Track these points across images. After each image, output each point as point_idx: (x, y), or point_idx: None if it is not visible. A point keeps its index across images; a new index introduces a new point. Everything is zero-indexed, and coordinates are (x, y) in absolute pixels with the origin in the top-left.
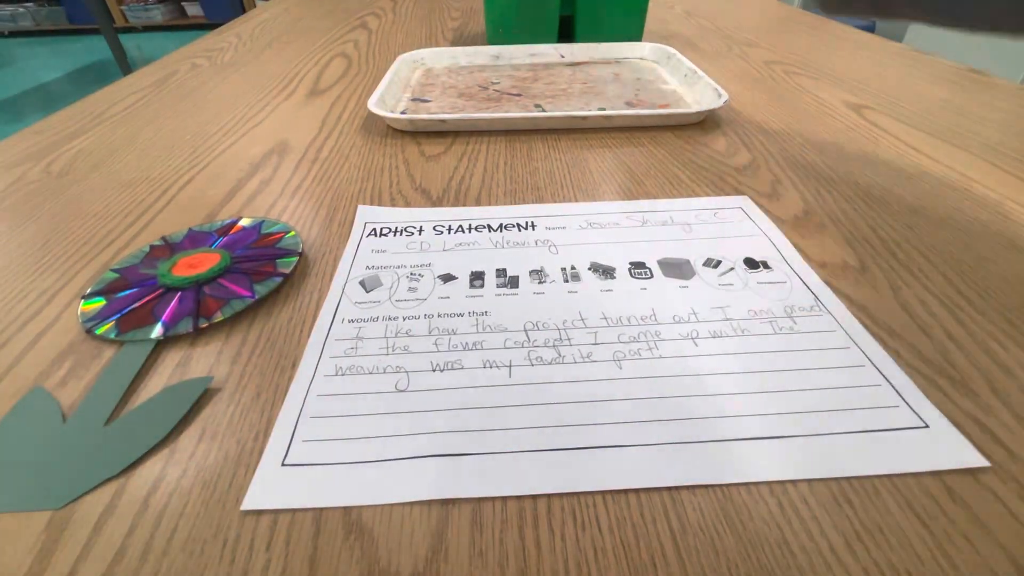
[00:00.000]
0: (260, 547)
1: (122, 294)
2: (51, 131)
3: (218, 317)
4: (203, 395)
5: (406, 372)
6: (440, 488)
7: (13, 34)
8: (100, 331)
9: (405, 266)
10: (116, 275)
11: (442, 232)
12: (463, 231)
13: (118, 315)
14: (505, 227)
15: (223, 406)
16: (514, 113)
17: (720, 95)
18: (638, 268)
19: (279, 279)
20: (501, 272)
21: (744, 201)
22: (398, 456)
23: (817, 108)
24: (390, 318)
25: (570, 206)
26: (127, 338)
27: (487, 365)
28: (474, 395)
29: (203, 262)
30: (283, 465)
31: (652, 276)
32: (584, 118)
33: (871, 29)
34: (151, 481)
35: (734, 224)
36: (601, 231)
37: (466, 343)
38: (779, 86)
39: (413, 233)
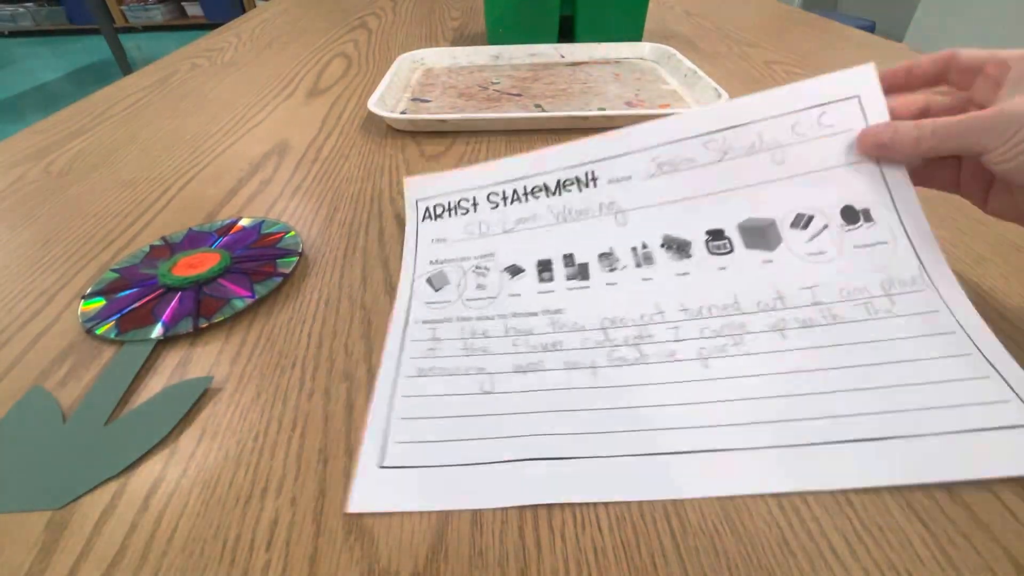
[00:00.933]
0: (260, 547)
1: (122, 294)
2: (51, 131)
3: (218, 317)
4: (203, 395)
5: (488, 374)
6: (541, 493)
7: (13, 34)
8: (100, 331)
9: (469, 257)
10: (116, 275)
11: (498, 205)
12: (519, 200)
13: (118, 315)
14: (564, 185)
15: (223, 406)
16: (514, 113)
17: (720, 95)
18: (716, 239)
19: (279, 279)
20: (569, 259)
21: (865, 83)
22: (494, 459)
23: None
24: (464, 319)
25: (633, 138)
26: (127, 338)
27: (569, 367)
28: (560, 398)
29: (203, 262)
30: (381, 468)
31: (732, 250)
32: (584, 118)
33: (871, 29)
34: (151, 481)
35: (843, 136)
36: (673, 178)
37: (544, 343)
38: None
39: (468, 211)
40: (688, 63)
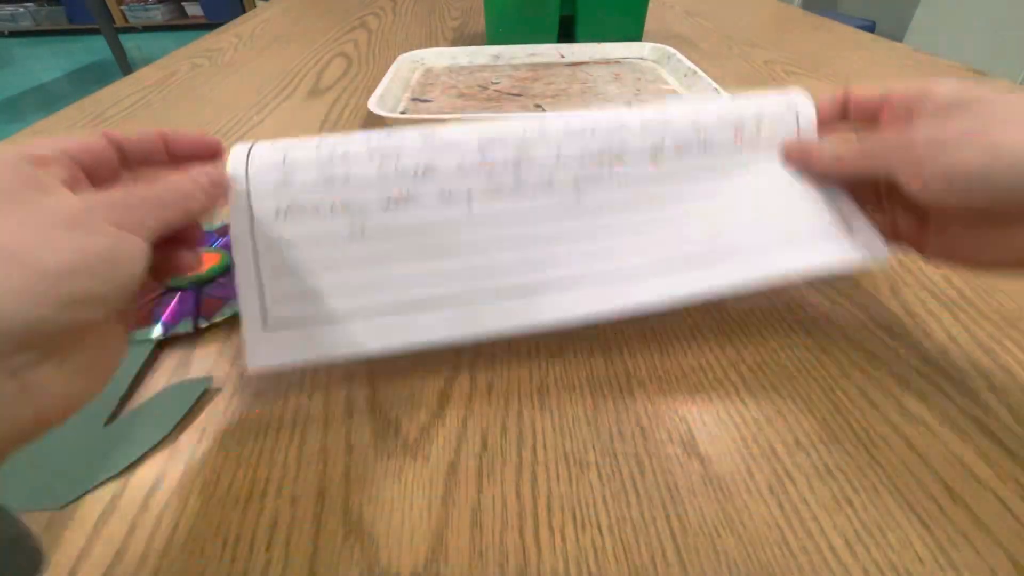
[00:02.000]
0: (260, 547)
1: None
2: (51, 131)
3: (218, 317)
4: (203, 395)
5: (356, 212)
6: (430, 333)
7: (13, 34)
8: None
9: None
10: None
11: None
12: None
13: None
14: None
15: (223, 406)
16: (514, 113)
17: (720, 95)
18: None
19: None
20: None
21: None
22: (380, 311)
23: None
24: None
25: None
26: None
27: (444, 200)
28: (435, 237)
29: (203, 262)
30: (265, 331)
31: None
32: None
33: (871, 29)
34: (151, 481)
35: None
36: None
37: (415, 167)
38: (779, 86)
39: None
40: (688, 63)
